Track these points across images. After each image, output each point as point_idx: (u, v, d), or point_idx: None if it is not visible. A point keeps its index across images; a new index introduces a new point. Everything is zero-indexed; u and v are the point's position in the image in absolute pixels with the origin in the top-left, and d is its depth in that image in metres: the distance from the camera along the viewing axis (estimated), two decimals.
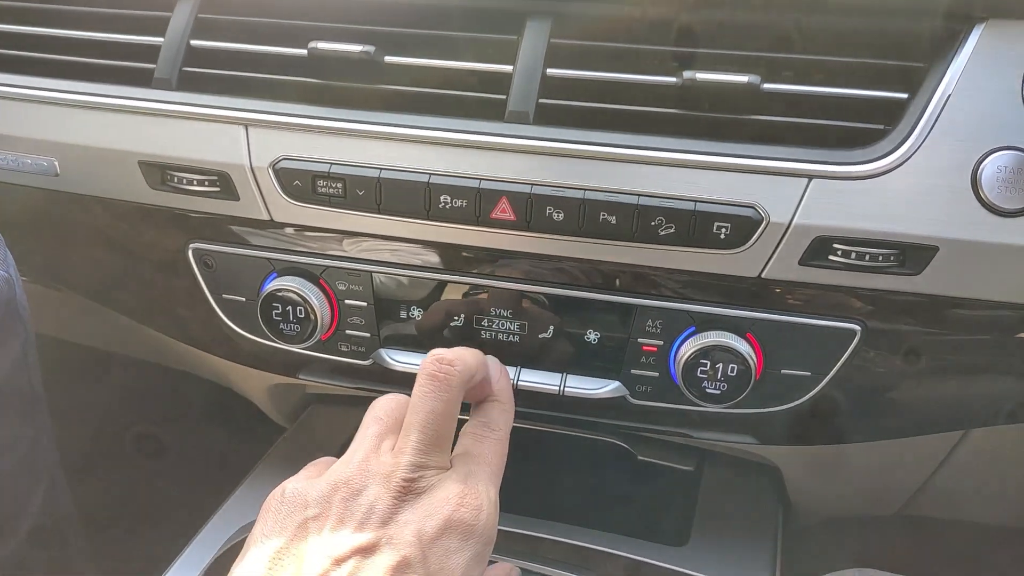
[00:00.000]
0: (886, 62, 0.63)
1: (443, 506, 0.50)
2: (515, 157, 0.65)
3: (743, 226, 0.62)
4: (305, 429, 0.95)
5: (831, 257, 0.62)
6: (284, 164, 0.68)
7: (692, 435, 0.79)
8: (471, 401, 0.62)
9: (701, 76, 0.62)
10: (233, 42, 0.73)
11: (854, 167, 0.61)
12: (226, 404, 1.12)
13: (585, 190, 0.63)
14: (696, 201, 0.62)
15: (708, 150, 0.62)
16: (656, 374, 0.70)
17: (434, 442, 0.53)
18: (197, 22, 0.73)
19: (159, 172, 0.73)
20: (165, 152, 0.72)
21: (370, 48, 0.68)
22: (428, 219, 0.67)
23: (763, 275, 0.64)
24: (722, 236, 0.62)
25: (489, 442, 0.58)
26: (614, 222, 0.63)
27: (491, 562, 0.56)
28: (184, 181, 0.72)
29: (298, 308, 0.72)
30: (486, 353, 0.70)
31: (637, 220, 0.63)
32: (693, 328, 0.68)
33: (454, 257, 0.70)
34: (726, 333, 0.67)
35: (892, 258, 0.61)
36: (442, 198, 0.66)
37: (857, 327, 0.66)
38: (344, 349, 0.76)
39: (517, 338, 0.72)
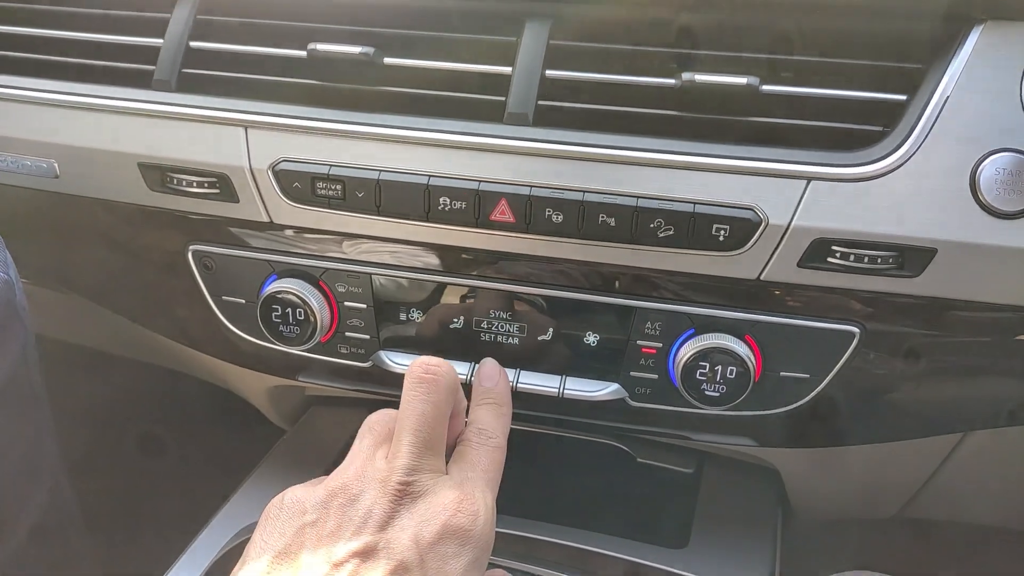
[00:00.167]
0: (885, 64, 0.63)
1: (440, 512, 0.51)
2: (514, 159, 0.65)
3: (742, 228, 0.62)
4: (305, 431, 0.95)
5: (830, 259, 0.62)
6: (284, 166, 0.69)
7: (691, 437, 0.79)
8: (477, 391, 0.63)
9: (700, 78, 0.62)
10: (232, 43, 0.73)
11: (853, 169, 0.61)
12: (226, 404, 1.12)
13: (584, 192, 0.64)
14: (695, 203, 0.62)
15: (707, 152, 0.63)
16: (655, 376, 0.70)
17: (426, 445, 0.53)
18: (196, 23, 0.73)
19: (159, 174, 0.73)
20: (165, 154, 0.72)
21: (369, 49, 0.68)
22: (427, 221, 0.67)
23: (762, 277, 0.64)
24: (721, 238, 0.62)
25: (486, 448, 0.58)
26: (613, 224, 0.63)
27: (489, 566, 0.56)
28: (184, 183, 0.72)
29: (298, 310, 0.72)
30: (485, 355, 0.71)
31: (636, 222, 0.63)
32: (692, 330, 0.68)
33: (453, 259, 0.70)
34: (725, 335, 0.67)
35: (891, 260, 0.61)
36: (441, 200, 0.66)
37: (856, 329, 0.66)
38: (344, 351, 0.76)
39: (516, 340, 0.72)
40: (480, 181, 0.65)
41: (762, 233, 0.62)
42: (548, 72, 0.66)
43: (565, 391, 0.72)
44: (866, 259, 0.62)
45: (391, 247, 0.71)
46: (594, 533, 0.76)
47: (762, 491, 0.86)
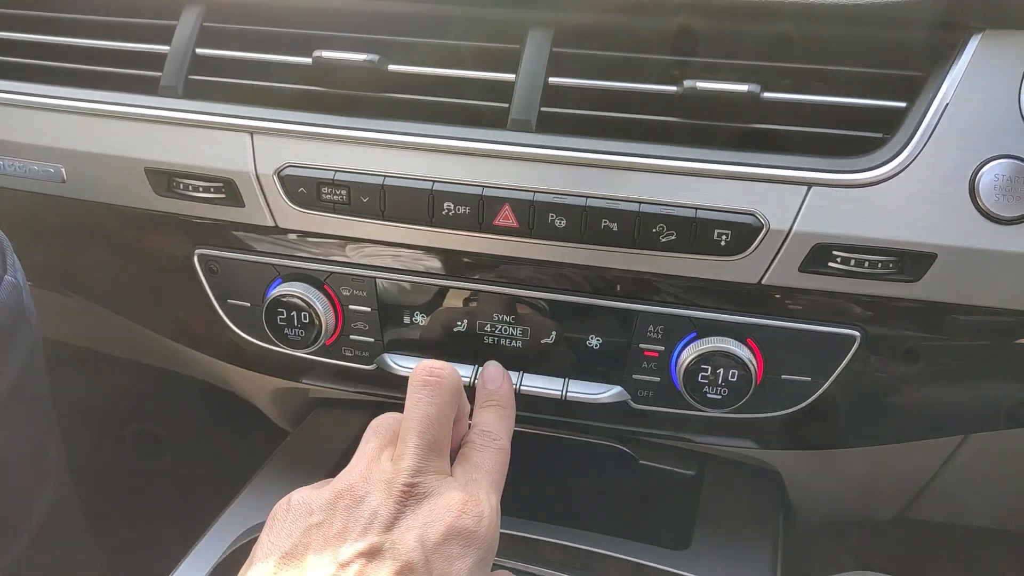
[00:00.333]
0: (885, 71, 0.63)
1: (445, 513, 0.51)
2: (517, 165, 0.65)
3: (743, 233, 0.62)
4: (308, 433, 0.95)
5: (831, 264, 0.63)
6: (289, 171, 0.69)
7: (693, 439, 0.80)
8: (480, 393, 0.63)
9: (702, 85, 0.63)
10: (238, 51, 0.73)
11: (853, 175, 0.61)
12: (230, 406, 1.13)
13: (587, 197, 0.64)
14: (697, 208, 0.63)
15: (708, 158, 0.63)
16: (657, 379, 0.71)
17: (431, 447, 0.54)
18: (203, 31, 0.74)
19: (165, 179, 0.73)
20: (171, 159, 0.72)
21: (374, 57, 0.68)
22: (431, 226, 0.67)
23: (763, 282, 0.65)
24: (722, 243, 0.63)
25: (490, 451, 0.58)
26: (615, 229, 0.64)
27: (493, 567, 0.56)
28: (190, 188, 0.73)
29: (302, 313, 0.72)
30: (489, 358, 0.71)
31: (638, 227, 0.64)
32: (694, 334, 0.68)
33: (457, 263, 0.71)
34: (727, 339, 0.67)
35: (891, 265, 0.62)
36: (445, 205, 0.66)
37: (856, 333, 0.66)
38: (348, 354, 0.76)
39: (520, 343, 0.72)
40: (484, 186, 0.65)
41: (763, 238, 0.62)
42: (551, 79, 0.67)
43: (568, 394, 0.72)
44: (866, 264, 0.62)
45: (395, 251, 0.72)
46: (597, 534, 0.77)
47: (763, 493, 0.86)
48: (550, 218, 0.65)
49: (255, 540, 0.53)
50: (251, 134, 0.70)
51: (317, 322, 0.72)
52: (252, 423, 1.10)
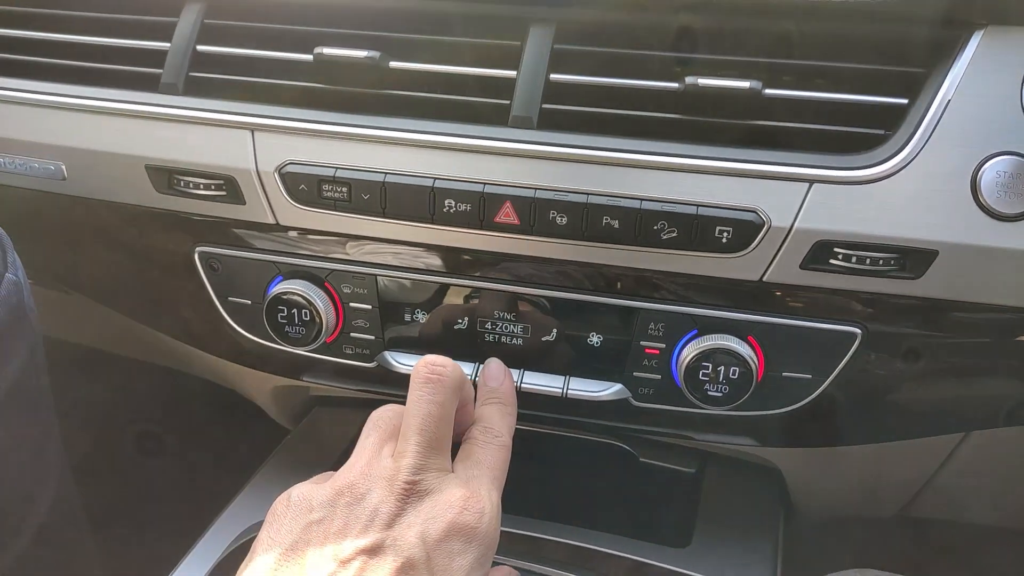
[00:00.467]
0: (886, 68, 0.63)
1: (447, 510, 0.51)
2: (518, 162, 0.65)
3: (744, 230, 0.62)
4: (309, 431, 0.95)
5: (832, 261, 0.63)
6: (290, 168, 0.69)
7: (694, 437, 0.80)
8: (482, 391, 0.63)
9: (703, 82, 0.63)
10: (239, 47, 0.73)
11: (855, 172, 0.61)
12: (230, 404, 1.13)
13: (588, 194, 0.64)
14: (698, 205, 0.63)
15: (710, 155, 0.63)
16: (658, 377, 0.71)
17: (433, 444, 0.54)
18: (203, 27, 0.74)
19: (166, 176, 0.73)
20: (172, 156, 0.72)
21: (375, 53, 0.68)
22: (432, 223, 0.67)
23: (764, 279, 0.65)
24: (724, 240, 0.63)
25: (492, 447, 0.58)
26: (617, 226, 0.64)
27: (494, 563, 0.56)
28: (191, 185, 0.73)
29: (303, 311, 0.72)
30: (490, 356, 0.71)
31: (639, 224, 0.63)
32: (695, 331, 0.68)
33: (458, 260, 0.71)
34: (728, 336, 0.67)
35: (892, 262, 0.62)
36: (446, 202, 0.66)
37: (858, 330, 0.66)
38: (348, 352, 0.76)
39: (520, 341, 0.72)
40: (485, 183, 0.65)
41: (765, 235, 0.62)
42: (552, 76, 0.66)
43: (569, 391, 0.72)
44: (868, 261, 0.62)
45: (396, 248, 0.72)
46: (597, 532, 0.77)
47: (764, 490, 0.86)
48: (551, 215, 0.65)
49: (256, 538, 0.53)
50: (252, 131, 0.70)
51: (318, 320, 0.72)
52: (253, 421, 1.10)
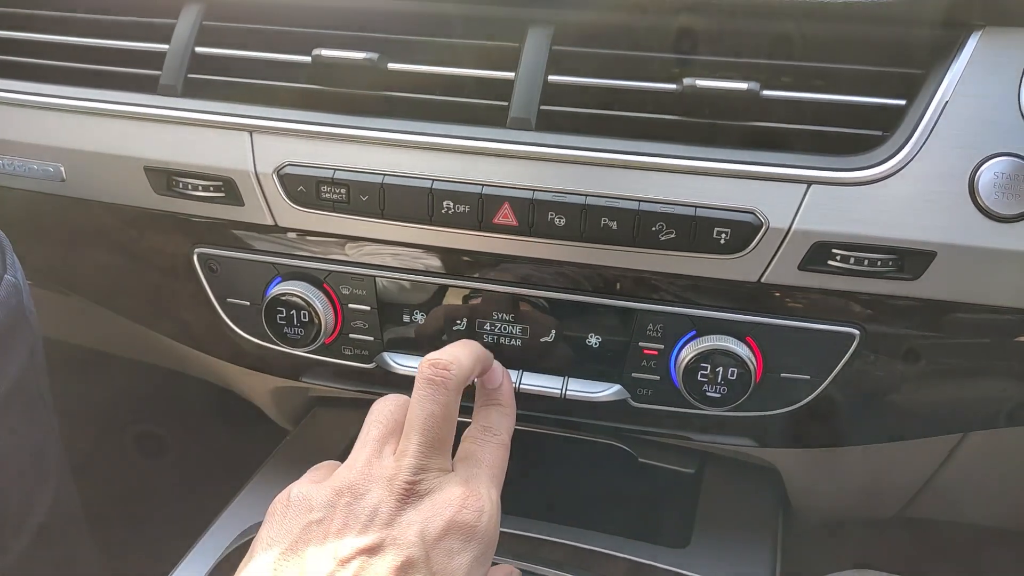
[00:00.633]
0: (884, 69, 0.63)
1: (446, 508, 0.51)
2: (517, 163, 0.65)
3: (743, 231, 0.62)
4: (308, 431, 0.95)
5: (830, 262, 0.63)
6: (288, 170, 0.69)
7: (692, 438, 0.80)
8: (481, 393, 0.64)
9: (701, 83, 0.63)
10: (238, 49, 0.73)
11: (852, 173, 0.61)
12: (229, 405, 1.13)
13: (586, 196, 0.64)
14: (696, 207, 0.63)
15: (708, 156, 0.63)
16: (657, 377, 0.71)
17: (434, 445, 0.54)
18: (202, 29, 0.74)
19: (164, 178, 0.73)
20: (170, 158, 0.72)
21: (373, 55, 0.68)
22: (431, 224, 0.67)
23: (763, 280, 0.65)
24: (722, 241, 0.63)
25: (491, 446, 0.58)
26: (615, 227, 0.64)
27: (493, 563, 0.56)
28: (189, 187, 0.73)
29: (302, 312, 0.72)
30: None
31: (638, 225, 0.64)
32: (694, 332, 0.68)
33: (457, 262, 0.71)
34: (726, 337, 0.67)
35: (890, 263, 0.62)
36: (445, 203, 0.66)
37: (856, 331, 0.66)
38: (347, 353, 0.77)
39: (519, 342, 0.72)
40: (483, 185, 0.65)
41: (763, 236, 0.62)
42: (550, 77, 0.66)
43: (567, 392, 0.72)
44: (866, 262, 0.62)
45: (395, 250, 0.72)
46: (596, 533, 0.77)
47: (763, 491, 0.86)
48: (549, 216, 0.65)
49: (255, 537, 0.53)
50: (250, 133, 0.70)
51: (317, 321, 0.72)
52: (252, 422, 1.10)
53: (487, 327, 0.72)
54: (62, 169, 0.77)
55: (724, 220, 0.62)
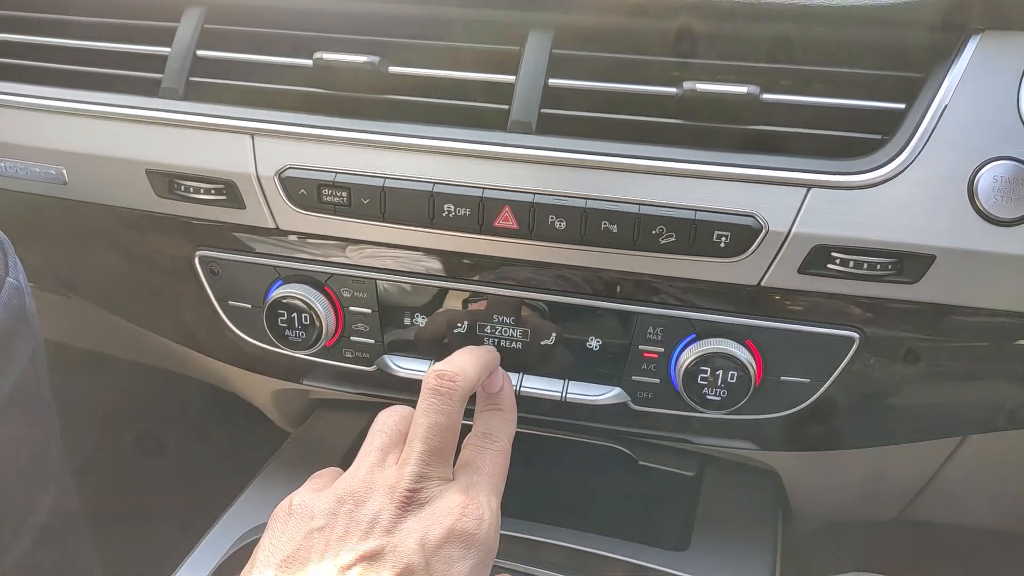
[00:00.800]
0: (884, 72, 0.63)
1: (446, 516, 0.52)
2: (518, 166, 0.66)
3: (743, 235, 0.63)
4: (310, 433, 0.95)
5: (829, 265, 0.63)
6: (290, 173, 0.69)
7: (692, 440, 0.80)
8: (481, 397, 0.64)
9: (701, 86, 0.63)
10: (239, 52, 0.73)
11: (852, 177, 0.61)
12: (230, 407, 1.13)
13: (587, 199, 0.64)
14: (696, 210, 0.63)
15: (708, 159, 0.63)
16: (657, 381, 0.71)
17: (436, 454, 0.54)
18: (204, 32, 0.74)
19: (166, 181, 0.73)
20: (172, 161, 0.73)
21: (374, 58, 0.68)
22: (432, 227, 0.68)
23: (763, 283, 0.65)
24: (722, 245, 0.63)
25: (491, 453, 0.59)
26: (615, 231, 0.64)
27: (494, 569, 0.57)
28: (191, 190, 0.73)
29: (303, 315, 0.73)
30: None
31: (638, 229, 0.64)
32: (694, 335, 0.69)
33: (457, 265, 0.71)
34: (726, 340, 0.67)
35: (890, 267, 0.62)
36: (446, 207, 0.66)
37: (856, 334, 0.67)
38: (348, 355, 0.77)
39: (519, 345, 0.72)
40: (484, 188, 0.66)
41: (763, 240, 0.63)
42: (551, 81, 0.67)
43: (567, 395, 0.72)
44: (865, 265, 0.62)
45: (396, 253, 0.72)
46: (596, 535, 0.77)
47: (763, 494, 0.86)
48: (550, 220, 0.65)
49: (257, 541, 0.54)
50: (252, 136, 0.70)
51: (318, 323, 0.73)
52: (253, 424, 1.10)
53: (487, 330, 0.73)
54: (64, 172, 0.77)
55: (724, 224, 0.63)
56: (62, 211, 0.80)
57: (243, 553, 0.73)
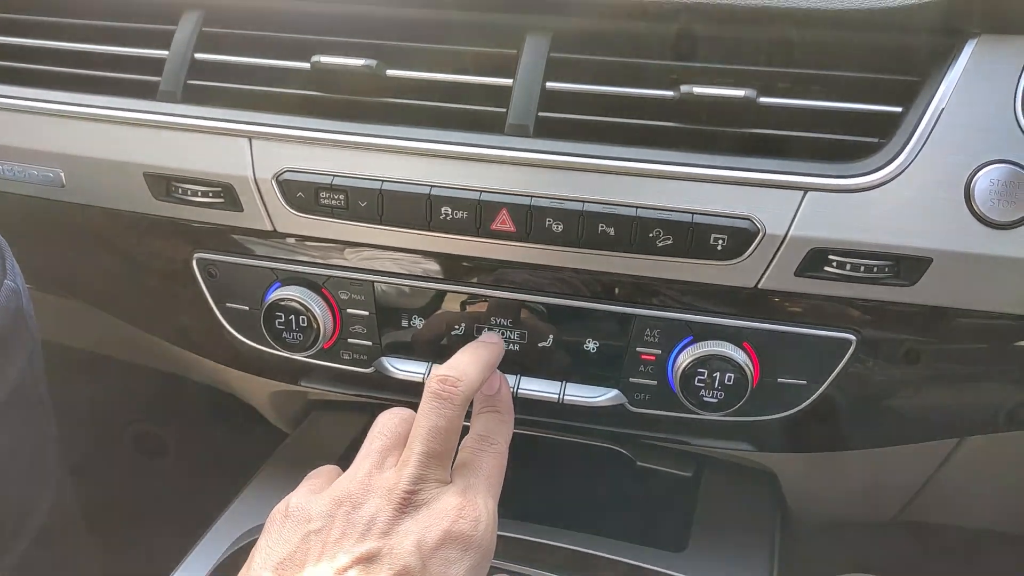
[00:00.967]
0: (881, 76, 0.63)
1: (442, 518, 0.52)
2: (515, 169, 0.66)
3: (740, 238, 0.63)
4: (307, 435, 0.95)
5: (826, 268, 0.63)
6: (287, 176, 0.69)
7: (690, 442, 0.80)
8: (478, 399, 0.64)
9: (698, 90, 0.63)
10: (237, 55, 0.73)
11: (849, 180, 0.61)
12: (228, 408, 1.13)
13: (584, 202, 0.64)
14: (693, 213, 0.63)
15: (705, 163, 0.63)
16: (654, 383, 0.71)
17: (436, 456, 0.54)
18: (201, 35, 0.74)
19: (164, 183, 0.73)
20: (170, 164, 0.73)
21: (372, 62, 0.68)
22: (429, 230, 0.68)
23: (760, 285, 0.65)
24: (719, 247, 0.63)
25: (488, 455, 0.59)
26: (613, 233, 0.64)
27: (492, 570, 0.57)
28: (188, 192, 0.73)
29: (301, 317, 0.73)
30: None
31: (635, 232, 0.64)
32: (691, 337, 0.69)
33: (455, 267, 0.71)
34: (723, 343, 0.67)
35: (887, 269, 0.62)
36: (443, 210, 0.66)
37: (852, 337, 0.67)
38: (346, 357, 0.77)
39: (517, 347, 0.72)
40: (481, 191, 0.66)
41: (759, 242, 0.63)
42: (548, 84, 0.67)
43: (565, 397, 0.72)
44: (862, 268, 0.62)
45: (393, 255, 0.72)
46: (594, 536, 0.77)
47: (760, 495, 0.86)
48: (547, 223, 0.65)
49: (254, 542, 0.54)
50: (249, 139, 0.70)
51: (315, 325, 0.73)
52: (251, 425, 1.10)
53: (485, 332, 0.73)
54: (62, 175, 0.77)
55: (721, 226, 0.63)
56: (60, 214, 0.80)
57: (240, 555, 0.73)
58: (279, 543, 0.52)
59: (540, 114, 0.66)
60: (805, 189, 0.62)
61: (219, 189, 0.72)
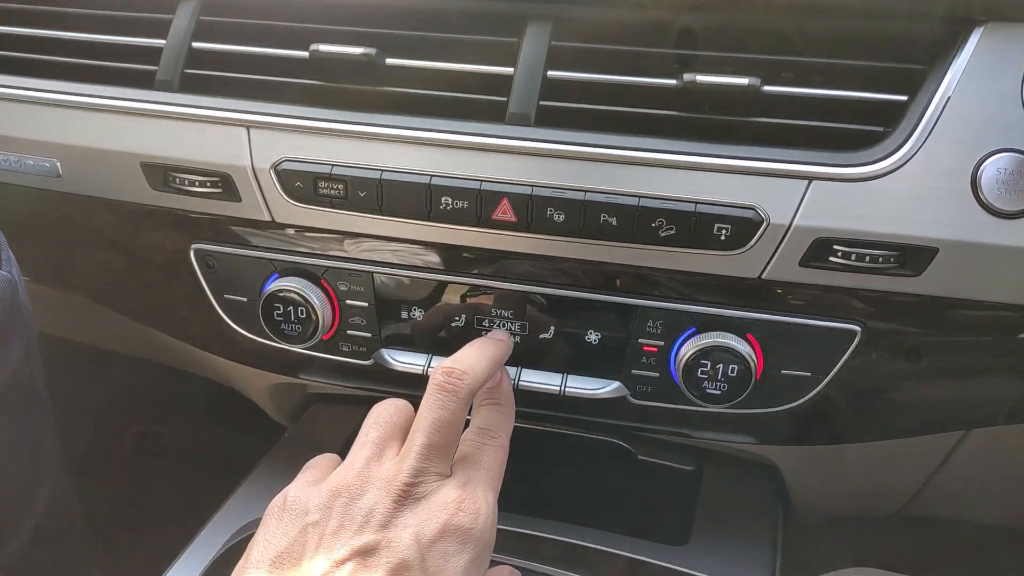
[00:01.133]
0: (886, 64, 0.63)
1: (442, 510, 0.51)
2: (516, 159, 0.65)
3: (743, 227, 0.62)
4: (306, 428, 0.95)
5: (831, 258, 0.62)
6: (286, 165, 0.69)
7: (692, 435, 0.80)
8: (480, 391, 0.63)
9: (702, 78, 0.62)
10: (235, 44, 0.73)
11: (854, 169, 0.61)
12: (227, 402, 1.13)
13: (586, 191, 0.64)
14: (697, 203, 0.62)
15: (709, 152, 0.63)
16: (657, 374, 0.70)
17: (437, 449, 0.54)
18: (199, 24, 0.73)
19: (161, 173, 0.73)
20: (167, 153, 0.72)
21: (371, 50, 0.68)
22: (429, 220, 0.67)
23: (763, 276, 0.64)
24: (722, 237, 0.63)
25: (489, 448, 0.58)
26: (615, 223, 0.64)
27: (494, 563, 0.56)
28: (186, 182, 0.72)
29: (299, 308, 0.72)
30: None
31: (638, 221, 0.63)
32: (694, 329, 0.68)
33: (455, 258, 0.71)
34: (726, 334, 0.67)
35: (892, 259, 0.62)
36: (443, 199, 0.66)
37: (857, 328, 0.66)
38: (345, 349, 0.76)
39: (518, 338, 0.72)
40: (482, 181, 0.65)
41: (763, 233, 0.62)
42: (550, 73, 0.66)
43: (566, 389, 0.72)
44: (867, 258, 0.62)
45: (393, 246, 0.71)
46: (595, 530, 0.77)
47: (763, 488, 0.86)
48: (549, 212, 0.64)
49: (252, 536, 0.53)
50: (247, 128, 0.70)
51: (314, 317, 0.72)
52: (250, 418, 1.10)
53: (485, 323, 0.72)
54: (58, 165, 0.76)
55: (725, 216, 0.62)
56: (56, 204, 0.79)
57: (238, 548, 0.72)
58: (277, 536, 0.51)
59: (541, 103, 0.66)
60: (809, 178, 0.61)
61: (217, 179, 0.71)
